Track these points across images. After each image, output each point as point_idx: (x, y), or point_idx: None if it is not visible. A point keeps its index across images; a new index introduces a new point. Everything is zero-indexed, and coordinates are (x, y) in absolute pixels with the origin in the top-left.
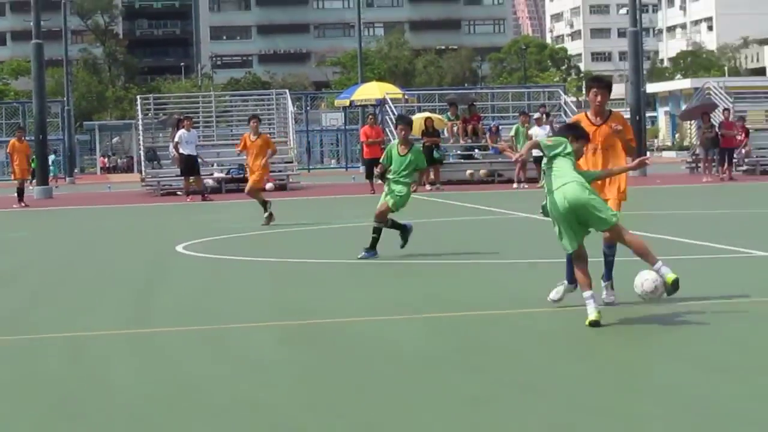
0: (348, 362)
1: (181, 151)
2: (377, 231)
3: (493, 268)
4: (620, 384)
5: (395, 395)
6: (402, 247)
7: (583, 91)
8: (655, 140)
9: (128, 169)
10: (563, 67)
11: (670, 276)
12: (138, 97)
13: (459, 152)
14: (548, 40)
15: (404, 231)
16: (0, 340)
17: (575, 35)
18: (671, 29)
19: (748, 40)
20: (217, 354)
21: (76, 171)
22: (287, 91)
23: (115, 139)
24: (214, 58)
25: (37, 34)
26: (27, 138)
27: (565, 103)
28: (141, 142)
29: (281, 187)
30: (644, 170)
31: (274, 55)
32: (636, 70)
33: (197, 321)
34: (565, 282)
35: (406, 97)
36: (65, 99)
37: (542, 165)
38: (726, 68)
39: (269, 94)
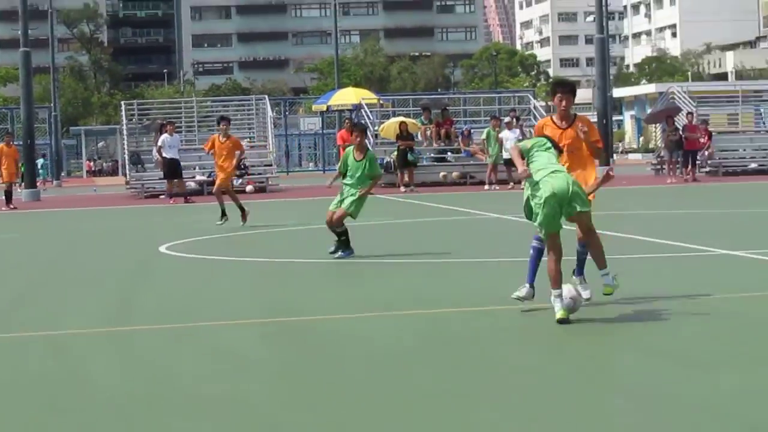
0: (323, 358)
1: (164, 154)
2: (342, 234)
3: (463, 266)
4: (588, 378)
5: (368, 390)
6: (331, 253)
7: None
8: (620, 144)
9: (113, 172)
10: (533, 73)
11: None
12: (122, 102)
13: (432, 155)
14: (518, 47)
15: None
16: None
17: (544, 42)
18: (636, 36)
19: (710, 47)
20: (198, 351)
21: (63, 174)
22: (266, 96)
23: (100, 144)
24: (195, 65)
25: (24, 43)
26: (15, 143)
27: (535, 107)
28: (125, 147)
29: (261, 189)
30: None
31: (253, 62)
32: (603, 76)
33: (179, 319)
34: (527, 285)
35: (381, 102)
36: (52, 105)
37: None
38: (689, 73)
39: (249, 100)
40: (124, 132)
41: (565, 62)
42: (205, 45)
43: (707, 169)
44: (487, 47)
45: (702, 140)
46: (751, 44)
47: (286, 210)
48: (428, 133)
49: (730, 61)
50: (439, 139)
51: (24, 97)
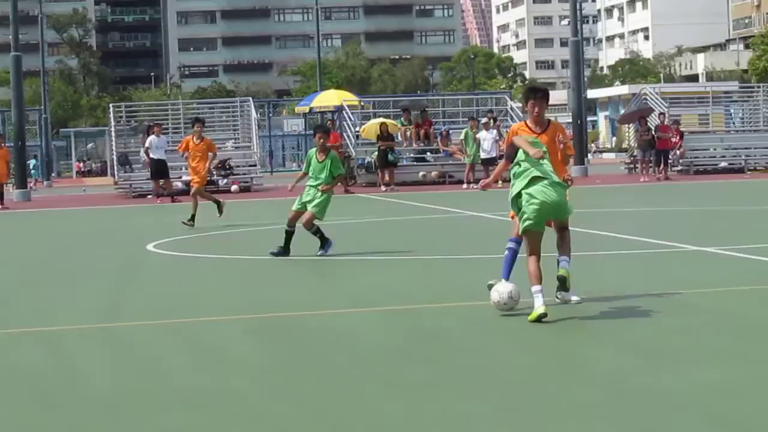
0: (307, 353)
1: (151, 155)
2: (316, 232)
3: (443, 263)
4: (564, 371)
5: (351, 384)
6: (272, 254)
7: None
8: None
9: (102, 173)
10: (509, 75)
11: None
12: (111, 105)
13: (412, 155)
14: (495, 50)
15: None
16: None
17: (521, 45)
18: (610, 39)
19: (681, 49)
20: (186, 346)
21: (53, 175)
22: (251, 98)
23: (89, 145)
24: (182, 69)
25: (15, 47)
26: (6, 144)
27: (512, 108)
28: (114, 148)
29: (246, 189)
30: (585, 170)
31: (238, 65)
32: (577, 77)
33: (167, 315)
34: (503, 279)
35: (362, 103)
36: (42, 107)
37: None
38: (661, 75)
39: (234, 102)
40: (113, 134)
41: (541, 64)
42: (191, 49)
43: (679, 167)
44: (465, 50)
45: (674, 140)
46: (721, 46)
47: (270, 209)
48: (408, 133)
49: (700, 63)
50: (418, 140)
51: (15, 99)
